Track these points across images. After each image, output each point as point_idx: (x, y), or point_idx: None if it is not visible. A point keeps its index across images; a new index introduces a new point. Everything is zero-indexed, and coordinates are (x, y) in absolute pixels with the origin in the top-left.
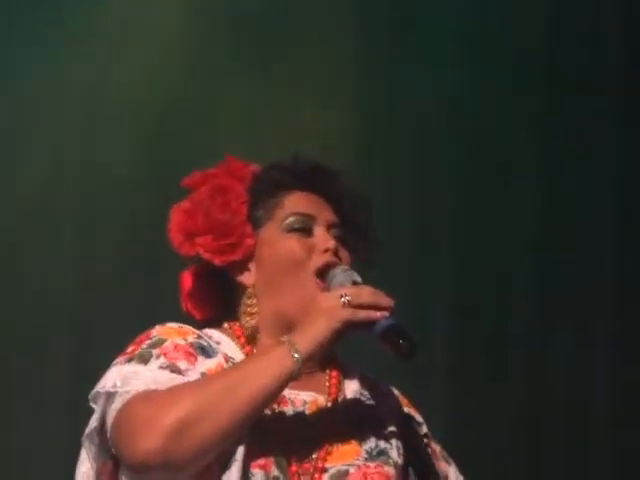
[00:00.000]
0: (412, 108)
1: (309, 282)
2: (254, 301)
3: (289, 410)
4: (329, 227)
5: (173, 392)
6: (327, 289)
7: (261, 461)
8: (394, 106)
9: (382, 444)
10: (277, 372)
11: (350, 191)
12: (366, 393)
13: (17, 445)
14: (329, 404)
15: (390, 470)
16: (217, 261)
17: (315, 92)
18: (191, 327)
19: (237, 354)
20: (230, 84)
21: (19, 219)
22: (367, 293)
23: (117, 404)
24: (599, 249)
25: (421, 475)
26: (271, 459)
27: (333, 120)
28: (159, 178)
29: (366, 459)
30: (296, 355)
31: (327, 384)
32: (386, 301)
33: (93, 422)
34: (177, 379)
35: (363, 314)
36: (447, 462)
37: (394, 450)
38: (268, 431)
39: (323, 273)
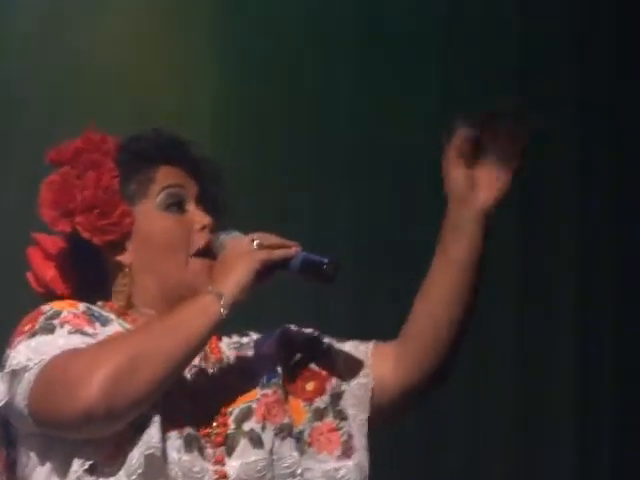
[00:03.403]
0: None
1: (192, 263)
2: (126, 280)
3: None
4: (197, 201)
5: (104, 344)
6: (216, 256)
7: (173, 421)
8: None
9: (266, 371)
10: (206, 320)
11: (206, 163)
12: (237, 344)
13: None
14: (218, 366)
15: (281, 393)
16: (96, 240)
17: None
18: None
19: (127, 325)
20: None
21: None
22: (272, 236)
23: (34, 370)
24: None
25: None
26: (181, 418)
27: None
28: None
29: (262, 392)
30: (222, 301)
31: (207, 348)
32: (291, 241)
33: None
34: (90, 341)
35: (279, 252)
36: (342, 341)
37: (276, 362)
38: (173, 393)
39: (204, 252)
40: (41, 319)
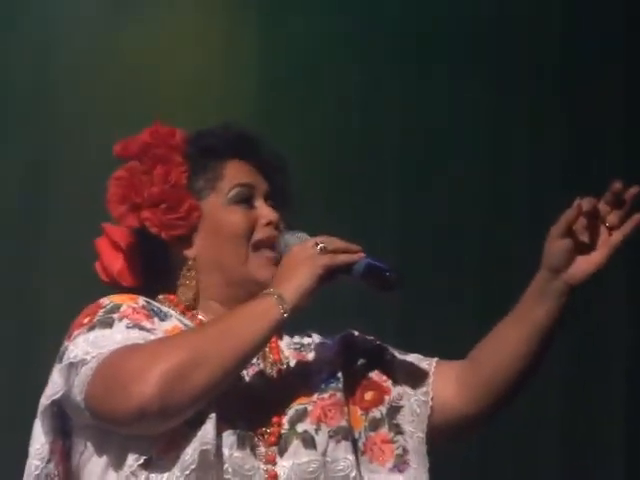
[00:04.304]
0: None
1: (252, 257)
2: (193, 273)
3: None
4: (267, 197)
5: (165, 341)
6: (279, 256)
7: (227, 417)
8: None
9: (324, 374)
10: (265, 323)
11: (275, 158)
12: (298, 345)
13: None
14: (276, 366)
15: (341, 397)
16: (164, 235)
17: None
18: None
19: (186, 321)
20: None
21: None
22: (337, 239)
23: (92, 364)
24: None
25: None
26: (235, 414)
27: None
28: None
29: (319, 396)
30: (282, 305)
31: (266, 348)
32: (355, 246)
33: (54, 393)
34: (148, 337)
35: (342, 257)
36: (405, 353)
37: (337, 366)
38: (228, 389)
39: (260, 245)
40: (100, 312)
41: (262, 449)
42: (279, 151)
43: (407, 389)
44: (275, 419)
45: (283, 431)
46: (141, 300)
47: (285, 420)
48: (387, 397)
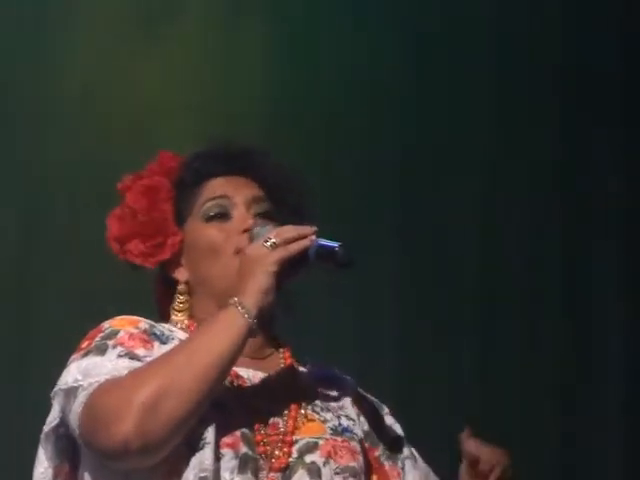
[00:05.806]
0: None
1: (231, 263)
2: (185, 297)
3: (249, 388)
4: (250, 203)
5: (136, 373)
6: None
7: (229, 439)
8: None
9: (344, 422)
10: (232, 333)
11: (274, 167)
12: (320, 373)
13: None
14: (293, 393)
15: (356, 445)
16: (148, 264)
17: None
18: (143, 317)
19: None
20: None
21: None
22: (287, 229)
23: (81, 398)
24: None
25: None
26: (238, 436)
27: None
28: None
29: (332, 434)
30: (245, 311)
31: (282, 362)
32: (308, 229)
33: (52, 420)
34: (137, 365)
35: (293, 246)
36: (419, 459)
37: (357, 426)
38: (232, 410)
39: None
40: (98, 338)
41: (264, 473)
42: (282, 162)
43: None
44: (286, 448)
45: (290, 460)
46: (143, 324)
47: (294, 449)
48: None
